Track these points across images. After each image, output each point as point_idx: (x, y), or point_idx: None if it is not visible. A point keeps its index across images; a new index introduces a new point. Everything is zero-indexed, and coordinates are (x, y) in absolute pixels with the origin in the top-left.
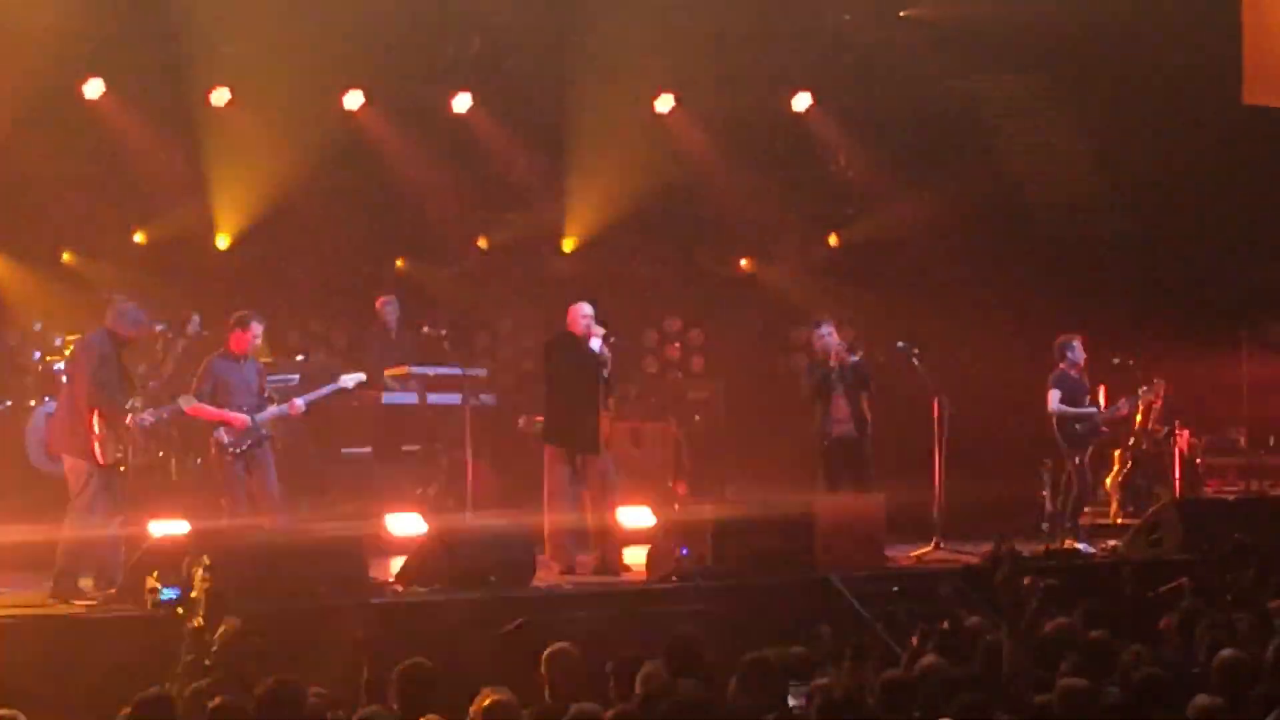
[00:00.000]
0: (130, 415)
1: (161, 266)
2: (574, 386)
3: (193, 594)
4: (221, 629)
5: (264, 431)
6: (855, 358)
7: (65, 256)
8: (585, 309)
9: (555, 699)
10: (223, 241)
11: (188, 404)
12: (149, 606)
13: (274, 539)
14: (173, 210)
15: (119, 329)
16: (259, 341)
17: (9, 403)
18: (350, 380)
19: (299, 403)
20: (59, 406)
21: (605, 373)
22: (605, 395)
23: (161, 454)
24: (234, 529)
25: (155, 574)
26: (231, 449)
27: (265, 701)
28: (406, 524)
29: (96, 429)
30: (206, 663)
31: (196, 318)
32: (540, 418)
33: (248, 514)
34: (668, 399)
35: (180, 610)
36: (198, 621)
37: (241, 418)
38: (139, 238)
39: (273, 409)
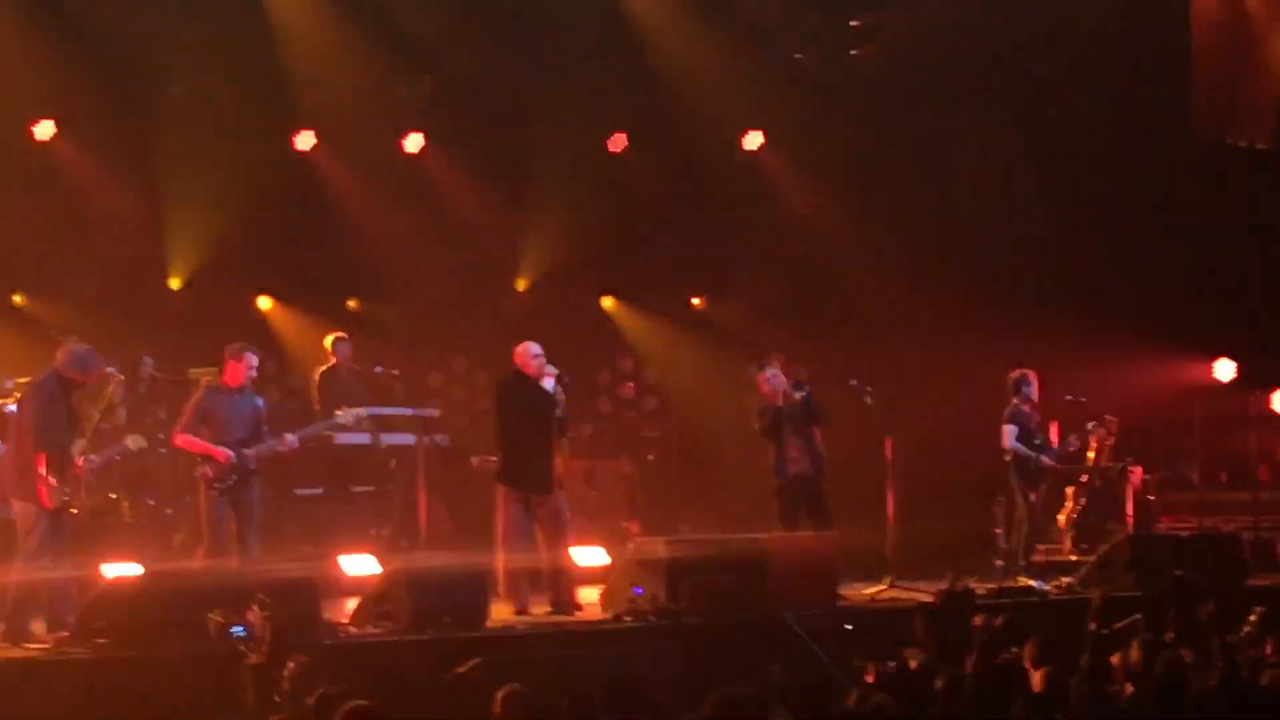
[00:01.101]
0: (80, 458)
1: (113, 308)
2: (526, 427)
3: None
4: (290, 666)
5: (251, 466)
6: (802, 393)
7: (16, 298)
8: (534, 349)
9: None
10: (175, 282)
11: (137, 444)
12: (216, 642)
13: (226, 580)
14: (125, 251)
15: (68, 372)
16: (254, 374)
17: None
18: (347, 417)
19: (291, 438)
20: (7, 450)
21: (558, 412)
22: (558, 435)
23: (113, 495)
24: (186, 571)
25: (219, 612)
26: (216, 484)
27: None
28: (360, 565)
29: (43, 473)
30: (276, 699)
31: (149, 360)
32: (494, 457)
33: (229, 554)
34: (621, 438)
35: (244, 648)
36: (259, 658)
37: (225, 452)
38: (91, 280)
39: (264, 444)
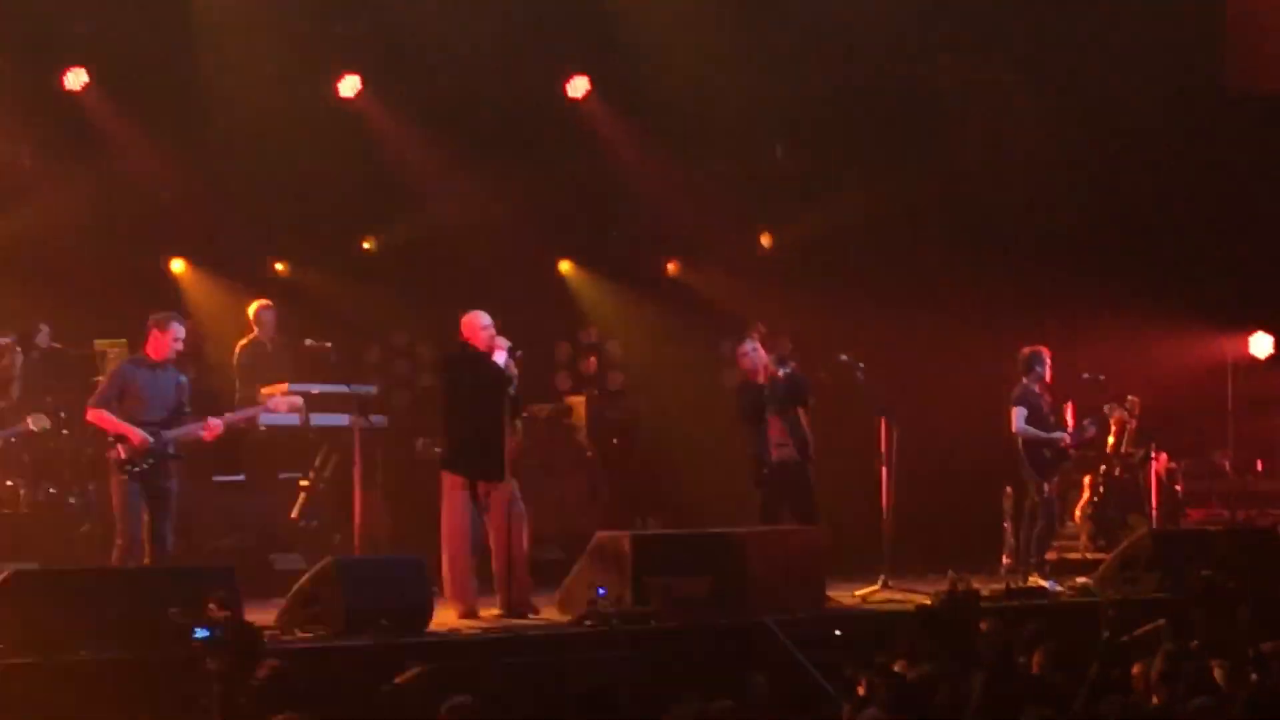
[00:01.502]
0: None
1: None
2: (476, 406)
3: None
4: (263, 671)
5: (170, 451)
6: (785, 369)
7: None
8: (484, 319)
9: None
10: (75, 242)
11: (39, 425)
12: (173, 646)
13: (132, 578)
14: (15, 207)
15: None
16: (180, 346)
17: None
18: (280, 402)
19: (215, 421)
20: None
21: (511, 390)
22: (511, 416)
23: (10, 483)
24: (93, 568)
25: (177, 611)
26: (129, 467)
27: None
28: (286, 562)
29: None
30: (241, 700)
31: (45, 328)
32: (438, 442)
33: (140, 547)
34: (583, 420)
35: (207, 652)
36: (222, 664)
37: (140, 433)
38: None
39: (185, 427)
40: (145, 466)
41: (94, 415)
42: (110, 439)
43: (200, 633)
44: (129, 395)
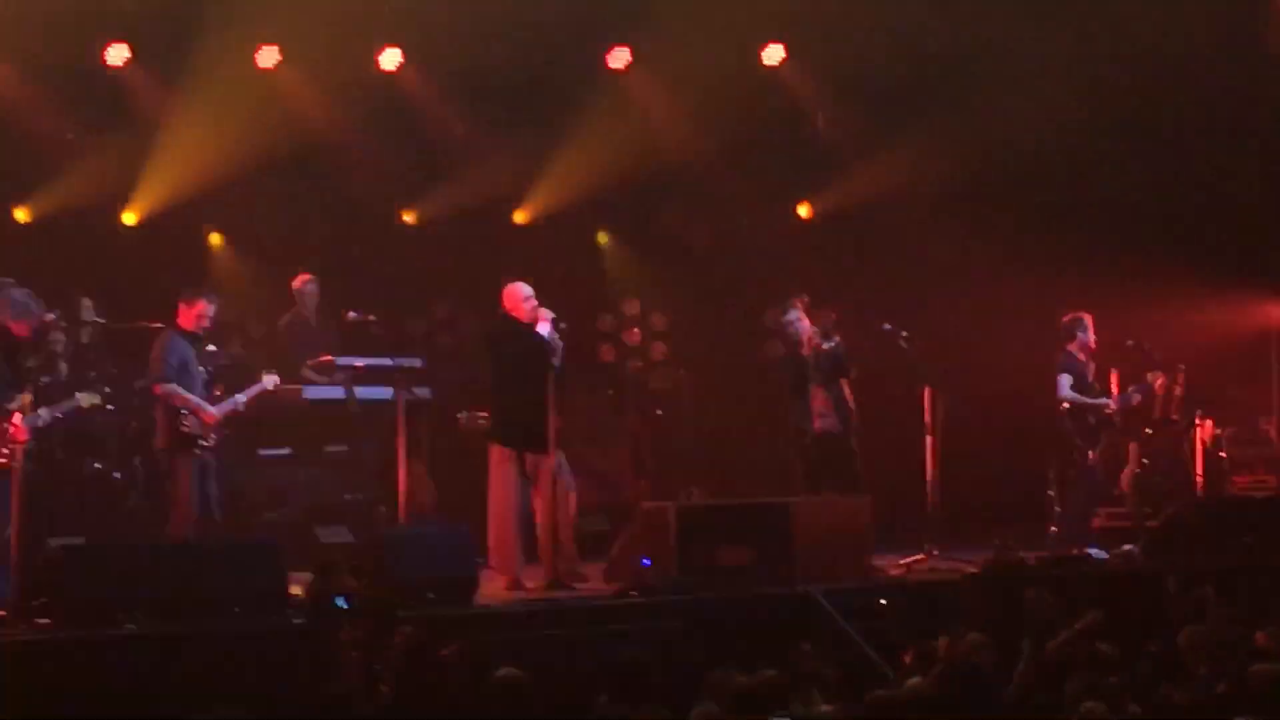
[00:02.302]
0: (19, 415)
1: (49, 246)
2: (521, 378)
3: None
4: (401, 637)
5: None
6: (830, 344)
7: None
8: (525, 290)
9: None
10: (129, 218)
11: (89, 401)
12: (310, 614)
13: (184, 551)
14: (63, 183)
15: (6, 318)
16: (206, 322)
17: None
18: (270, 381)
19: (241, 399)
20: None
21: (556, 362)
22: (556, 387)
23: (60, 457)
24: (140, 541)
25: (315, 581)
26: (201, 442)
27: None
28: (332, 534)
29: None
30: (376, 667)
31: (88, 302)
32: (484, 413)
33: (199, 521)
34: (627, 390)
35: (347, 617)
36: (362, 629)
37: (211, 409)
38: (20, 214)
39: (227, 403)
40: (212, 441)
41: (164, 390)
42: (180, 414)
43: (339, 601)
44: (186, 369)
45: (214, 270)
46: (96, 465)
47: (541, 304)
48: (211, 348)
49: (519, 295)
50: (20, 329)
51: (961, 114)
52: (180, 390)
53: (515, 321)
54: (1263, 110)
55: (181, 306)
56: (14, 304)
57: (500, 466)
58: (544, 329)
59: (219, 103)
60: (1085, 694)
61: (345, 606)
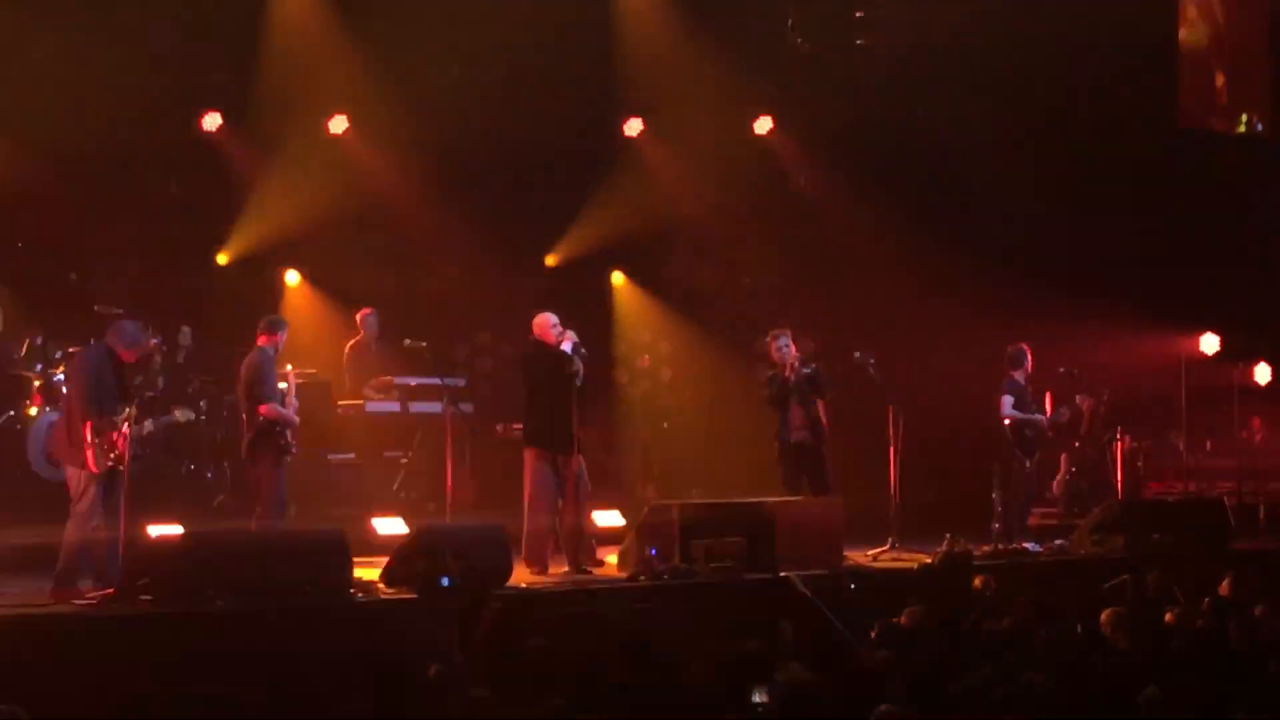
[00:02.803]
0: (126, 424)
1: (155, 282)
2: (550, 391)
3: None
4: (488, 610)
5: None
6: (809, 369)
7: (72, 275)
8: (552, 318)
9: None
10: (221, 259)
11: (185, 417)
12: (423, 593)
13: (264, 540)
14: (170, 229)
15: (118, 345)
16: (281, 340)
17: (11, 413)
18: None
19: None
20: (59, 418)
21: (579, 378)
22: (578, 400)
23: (160, 460)
24: (227, 531)
25: (427, 563)
26: (290, 448)
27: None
28: (389, 526)
29: (89, 439)
30: (474, 634)
31: (187, 330)
32: (518, 425)
33: (282, 515)
34: (638, 407)
35: (453, 594)
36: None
37: (294, 418)
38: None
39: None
40: (295, 449)
41: (269, 410)
42: (278, 429)
43: (444, 581)
44: (273, 389)
45: (290, 303)
46: (191, 467)
47: (566, 329)
48: (288, 367)
49: (547, 323)
50: (129, 355)
51: (921, 179)
52: (280, 408)
53: (544, 344)
54: (1173, 178)
55: (263, 333)
56: (125, 333)
57: (536, 468)
58: (568, 346)
59: (295, 163)
60: (1022, 666)
61: (448, 585)
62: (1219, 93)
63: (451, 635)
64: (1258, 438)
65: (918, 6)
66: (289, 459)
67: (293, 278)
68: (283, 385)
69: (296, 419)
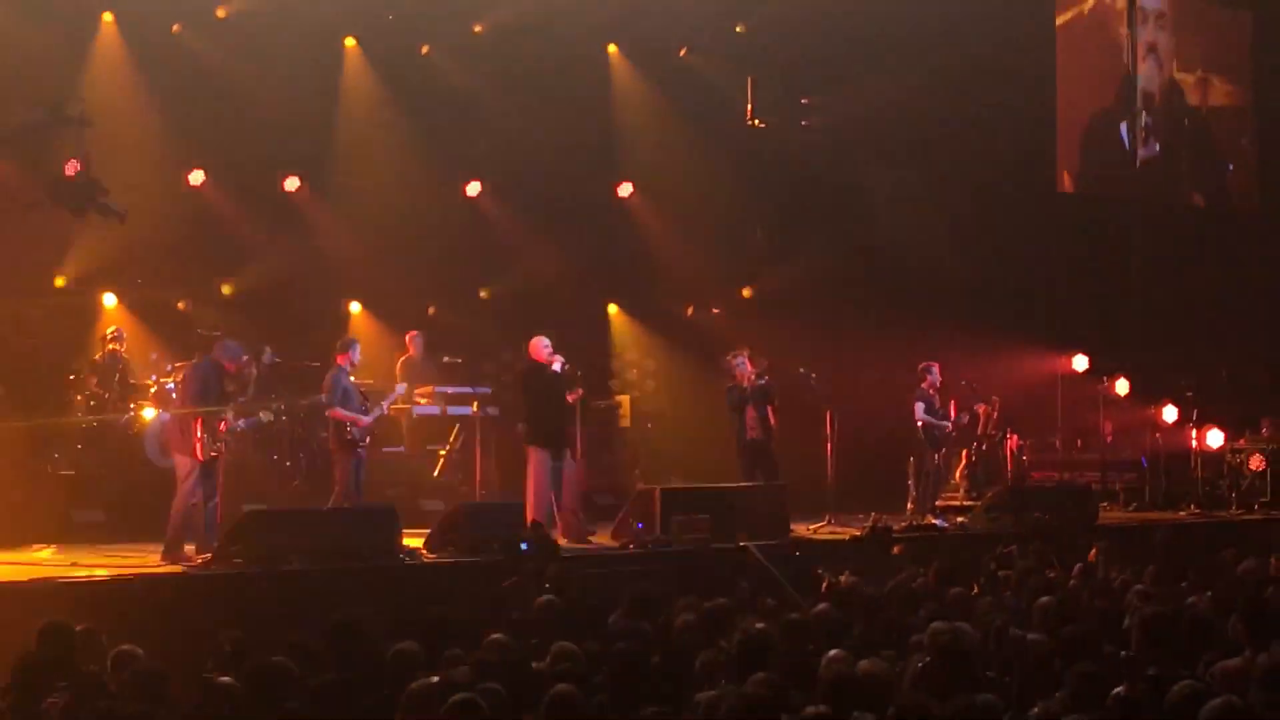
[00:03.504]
0: (224, 422)
1: (244, 309)
2: (545, 402)
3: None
4: (548, 571)
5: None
6: (761, 382)
7: (180, 304)
8: (544, 341)
9: (541, 639)
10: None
11: (268, 417)
12: (511, 555)
13: (330, 513)
14: (253, 268)
15: (223, 360)
16: (355, 358)
17: (130, 413)
18: (400, 389)
19: (385, 405)
20: (170, 418)
21: (570, 393)
22: (570, 408)
23: (250, 450)
24: (298, 511)
25: (519, 535)
26: (359, 442)
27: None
28: (431, 505)
29: (198, 433)
30: (546, 585)
31: (269, 349)
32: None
33: (350, 495)
34: (629, 412)
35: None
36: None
37: (365, 419)
38: (226, 289)
39: (375, 412)
40: (366, 442)
41: (334, 412)
42: (346, 426)
43: (523, 546)
44: (345, 395)
45: (353, 327)
46: (274, 457)
47: (556, 351)
48: (353, 378)
49: (541, 345)
50: (230, 367)
51: (853, 231)
52: (343, 410)
53: (538, 364)
54: (1051, 230)
55: (338, 352)
56: (227, 349)
57: (537, 464)
58: (557, 366)
59: (356, 214)
60: (932, 616)
61: (526, 549)
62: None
63: (525, 584)
64: (1108, 439)
65: (851, 95)
66: (359, 450)
67: (355, 307)
68: (400, 388)
69: (362, 419)
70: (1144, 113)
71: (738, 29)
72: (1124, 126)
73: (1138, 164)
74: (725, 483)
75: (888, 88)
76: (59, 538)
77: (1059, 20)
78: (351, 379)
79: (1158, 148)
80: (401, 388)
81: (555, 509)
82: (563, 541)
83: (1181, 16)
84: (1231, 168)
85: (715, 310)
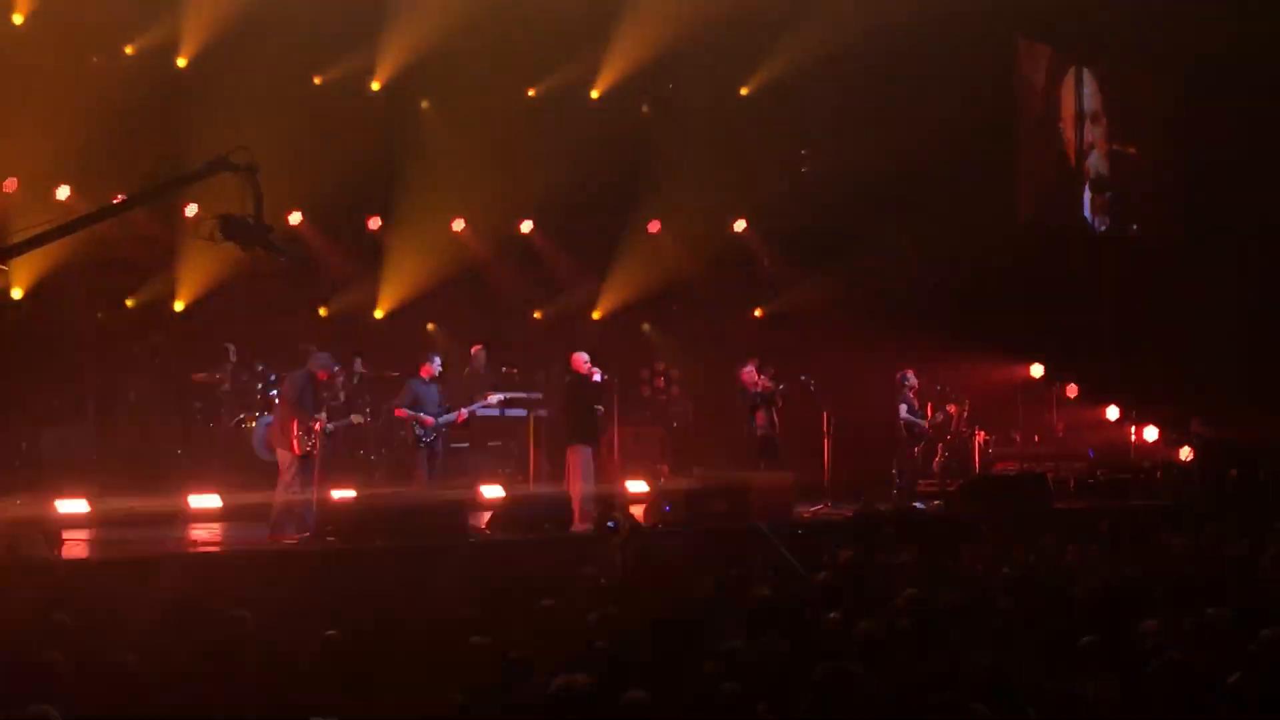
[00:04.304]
0: (319, 424)
1: (336, 329)
2: (585, 408)
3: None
4: (634, 544)
5: (443, 430)
6: (769, 387)
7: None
8: (585, 356)
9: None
10: (378, 313)
11: (357, 419)
12: (602, 530)
13: (408, 499)
14: (343, 294)
15: (317, 369)
16: (438, 369)
17: (242, 416)
18: (495, 398)
19: (465, 412)
20: (274, 419)
21: (603, 401)
22: (604, 413)
23: (341, 447)
24: (384, 495)
25: (600, 513)
26: (422, 439)
27: None
28: (491, 491)
29: (296, 432)
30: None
31: (359, 360)
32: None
33: (426, 484)
34: (656, 412)
35: (616, 531)
36: (620, 542)
37: (430, 419)
38: (322, 311)
39: (447, 415)
40: (431, 439)
41: (398, 412)
42: (412, 425)
43: (610, 524)
44: (416, 400)
45: (431, 343)
46: (360, 452)
47: (594, 364)
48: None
49: (582, 359)
50: (323, 376)
51: (845, 261)
52: (408, 411)
53: (580, 375)
54: (1010, 258)
55: (425, 364)
56: (320, 361)
57: (581, 457)
58: (597, 377)
59: (430, 249)
60: (914, 583)
61: (613, 526)
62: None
63: (613, 555)
64: (1060, 435)
65: (842, 151)
66: (431, 445)
67: (431, 326)
68: (495, 397)
69: (427, 419)
70: (1088, 186)
71: (743, 90)
72: (1073, 187)
73: (1085, 211)
74: (738, 472)
75: (872, 144)
76: (179, 520)
77: (1016, 118)
78: (433, 386)
79: (1105, 210)
80: (496, 397)
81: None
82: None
83: (1114, 96)
84: (1163, 206)
85: (728, 325)
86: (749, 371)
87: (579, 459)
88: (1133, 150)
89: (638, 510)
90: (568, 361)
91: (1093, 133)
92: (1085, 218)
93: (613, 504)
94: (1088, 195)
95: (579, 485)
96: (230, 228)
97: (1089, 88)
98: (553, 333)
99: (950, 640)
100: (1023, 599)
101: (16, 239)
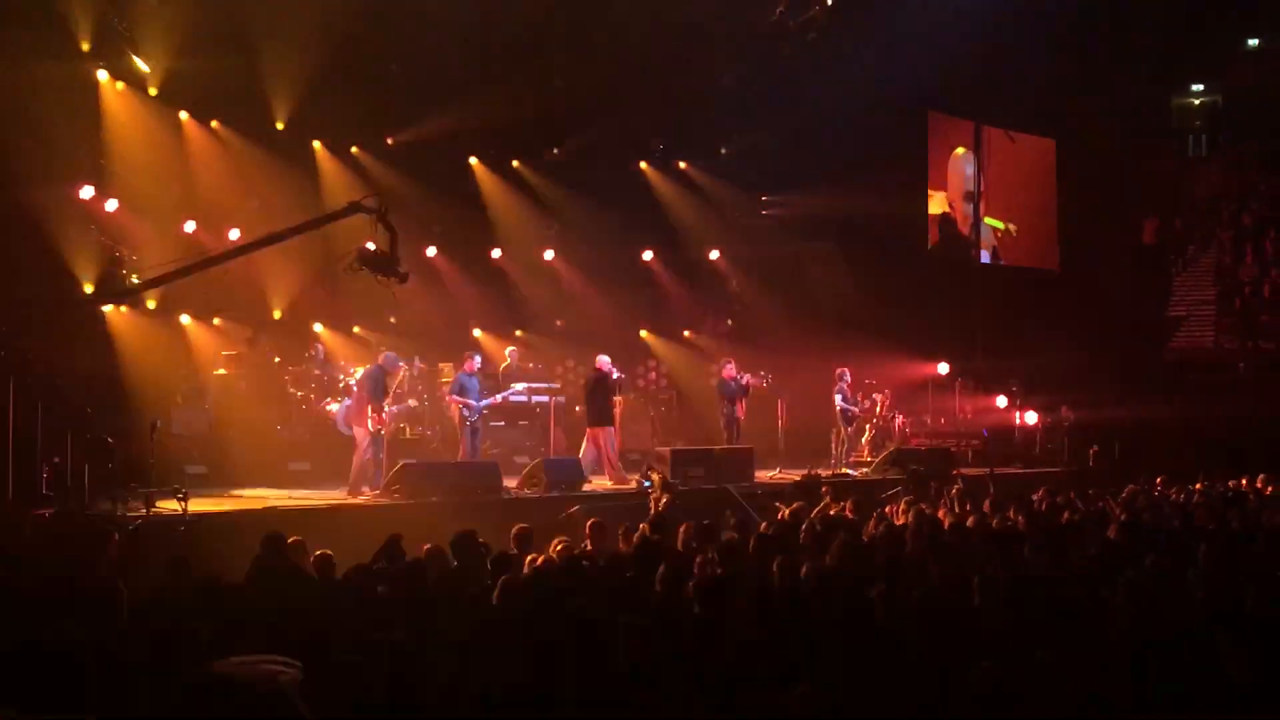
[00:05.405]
0: (385, 408)
1: (402, 334)
2: (603, 398)
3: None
4: (666, 499)
5: (483, 412)
6: (739, 380)
7: (355, 329)
8: (605, 357)
9: (594, 546)
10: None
11: (415, 404)
12: (639, 488)
13: (453, 466)
14: (408, 307)
15: (386, 366)
16: (478, 365)
17: (329, 400)
18: (523, 385)
19: (498, 398)
20: (352, 403)
21: (617, 394)
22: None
23: (403, 425)
24: (435, 463)
25: (645, 472)
26: (468, 419)
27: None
28: (520, 460)
29: (370, 414)
30: (661, 510)
31: (416, 358)
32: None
33: (469, 453)
34: (649, 400)
35: (650, 488)
36: (656, 495)
37: (473, 404)
38: (392, 320)
39: (487, 400)
40: (474, 419)
41: (449, 399)
42: (460, 408)
43: (645, 484)
44: (464, 388)
45: (473, 344)
46: (419, 428)
47: (613, 367)
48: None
49: (603, 361)
50: (394, 373)
51: (797, 285)
52: (457, 398)
53: (601, 373)
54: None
55: (468, 360)
56: (388, 359)
57: (607, 437)
58: (615, 375)
59: (472, 271)
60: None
61: (649, 485)
62: (956, 231)
63: (655, 506)
64: (961, 417)
65: (793, 198)
66: (474, 424)
67: (477, 332)
68: (517, 386)
69: (473, 403)
70: (978, 237)
71: (722, 151)
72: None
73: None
74: (712, 445)
75: (817, 193)
76: (279, 481)
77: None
78: (474, 378)
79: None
80: (519, 386)
81: (610, 463)
82: (609, 484)
83: (1001, 169)
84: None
85: (704, 332)
86: (730, 369)
87: (604, 437)
88: (1012, 227)
89: (631, 479)
90: (592, 362)
91: (973, 208)
92: (973, 254)
93: (650, 465)
94: (980, 235)
95: (609, 455)
96: (365, 259)
97: (970, 168)
98: (571, 339)
99: (869, 583)
100: (932, 544)
101: (174, 268)
